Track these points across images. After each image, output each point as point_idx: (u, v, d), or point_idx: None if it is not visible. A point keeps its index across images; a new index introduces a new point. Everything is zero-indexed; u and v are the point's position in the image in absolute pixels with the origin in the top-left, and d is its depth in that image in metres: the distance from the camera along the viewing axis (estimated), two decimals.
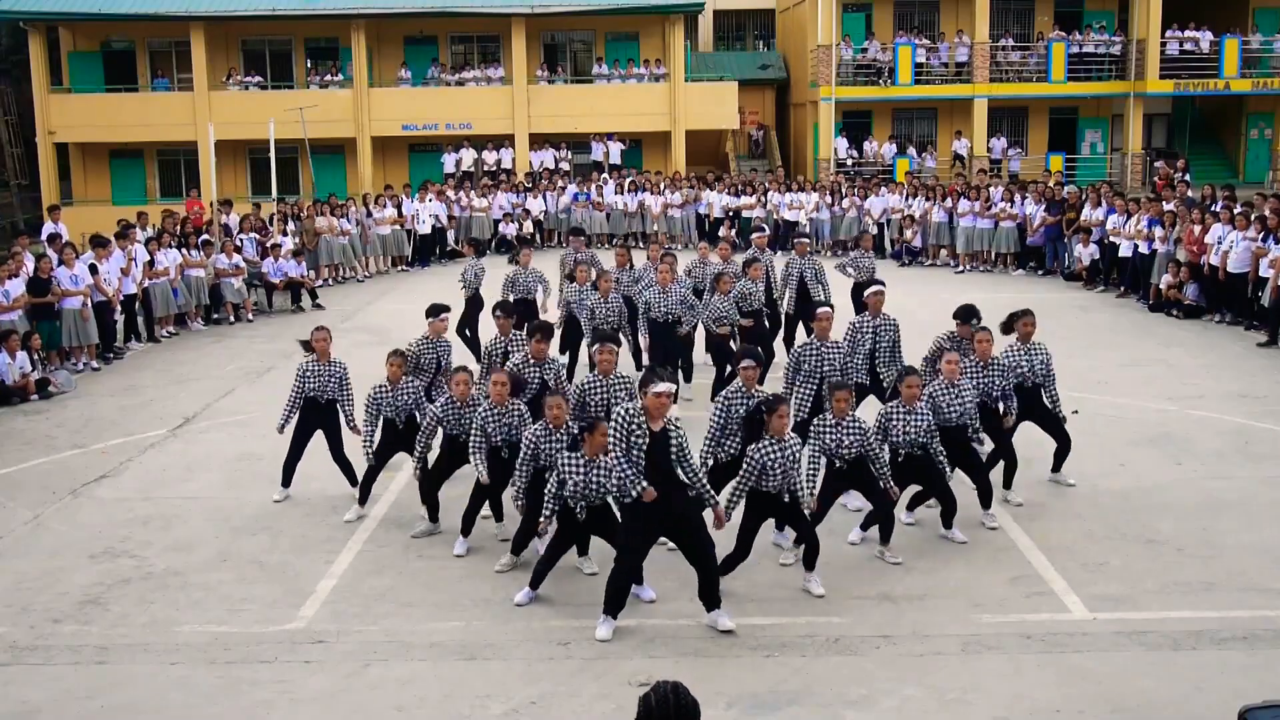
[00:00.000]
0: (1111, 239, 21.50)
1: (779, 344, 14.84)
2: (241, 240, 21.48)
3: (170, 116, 32.64)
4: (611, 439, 8.11)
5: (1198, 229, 18.96)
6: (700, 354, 14.26)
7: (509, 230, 27.73)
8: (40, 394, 14.99)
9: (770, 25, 42.04)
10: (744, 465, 8.45)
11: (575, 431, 8.54)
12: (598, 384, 9.61)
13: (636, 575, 8.41)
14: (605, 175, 30.22)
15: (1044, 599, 8.63)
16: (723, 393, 9.48)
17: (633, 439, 8.04)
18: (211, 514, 10.63)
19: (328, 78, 34.17)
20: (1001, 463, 10.52)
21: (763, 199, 27.69)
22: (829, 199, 27.26)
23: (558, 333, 13.61)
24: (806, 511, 8.66)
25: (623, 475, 8.01)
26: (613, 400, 9.44)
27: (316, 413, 10.80)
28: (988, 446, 10.46)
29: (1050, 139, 35.69)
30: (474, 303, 15.81)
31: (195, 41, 32.97)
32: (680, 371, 13.37)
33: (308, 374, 10.77)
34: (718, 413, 9.31)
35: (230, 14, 33.05)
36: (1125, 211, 21.20)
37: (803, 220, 26.45)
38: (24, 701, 7.36)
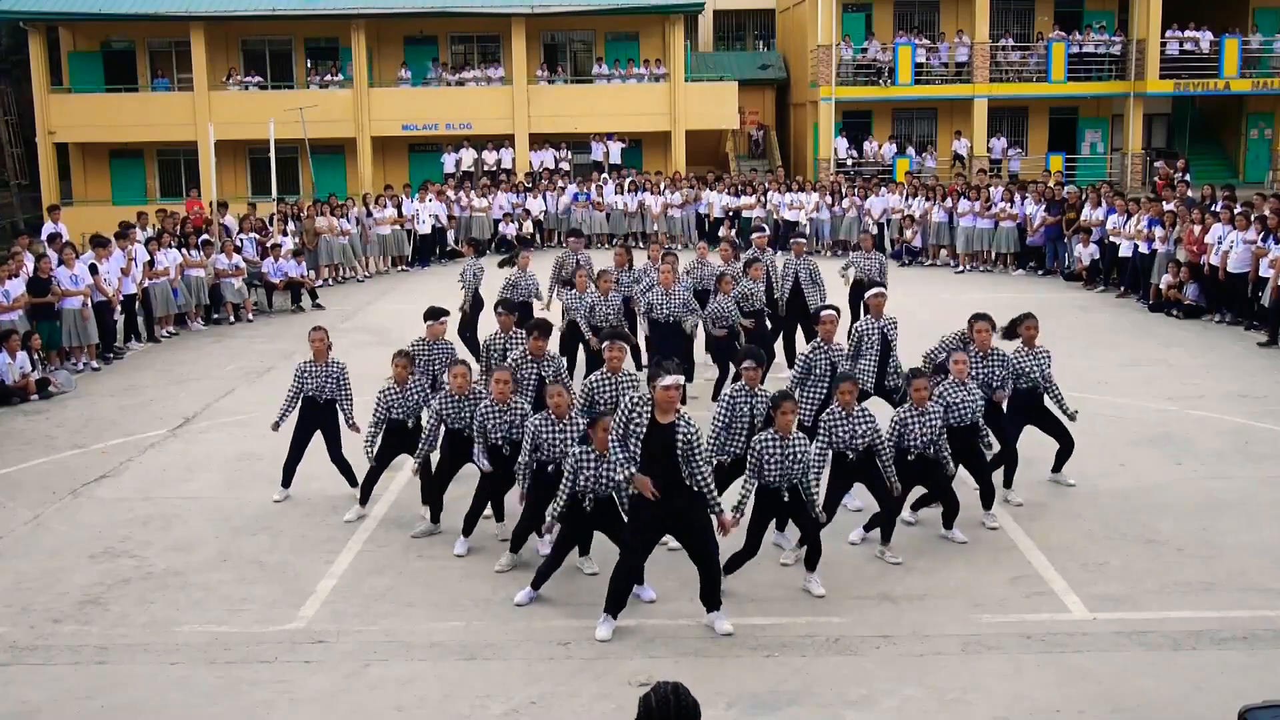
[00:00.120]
0: (1111, 239, 21.49)
1: (778, 344, 14.85)
2: (241, 240, 21.49)
3: (170, 116, 32.63)
4: (612, 429, 8.07)
5: (1198, 229, 18.96)
6: (700, 354, 14.27)
7: (509, 230, 27.72)
8: (40, 394, 14.99)
9: (770, 25, 42.03)
10: (749, 456, 8.46)
11: (584, 426, 8.54)
12: (607, 381, 9.61)
13: (638, 575, 8.40)
14: (605, 175, 30.21)
15: (1044, 599, 8.63)
16: (726, 392, 9.45)
17: (631, 427, 7.92)
18: (211, 514, 10.63)
19: (328, 78, 34.16)
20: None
21: (763, 199, 27.66)
22: (829, 199, 27.22)
23: (557, 333, 13.60)
24: (814, 514, 8.64)
25: (614, 460, 7.90)
26: (622, 397, 9.40)
27: (315, 412, 10.80)
28: (995, 449, 10.45)
29: (1050, 139, 35.67)
30: (473, 304, 15.80)
31: (195, 41, 32.97)
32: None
33: (306, 373, 10.78)
34: (721, 413, 9.28)
35: (230, 14, 33.05)
36: (1125, 211, 21.19)
37: (803, 220, 26.43)
38: (24, 701, 7.36)
